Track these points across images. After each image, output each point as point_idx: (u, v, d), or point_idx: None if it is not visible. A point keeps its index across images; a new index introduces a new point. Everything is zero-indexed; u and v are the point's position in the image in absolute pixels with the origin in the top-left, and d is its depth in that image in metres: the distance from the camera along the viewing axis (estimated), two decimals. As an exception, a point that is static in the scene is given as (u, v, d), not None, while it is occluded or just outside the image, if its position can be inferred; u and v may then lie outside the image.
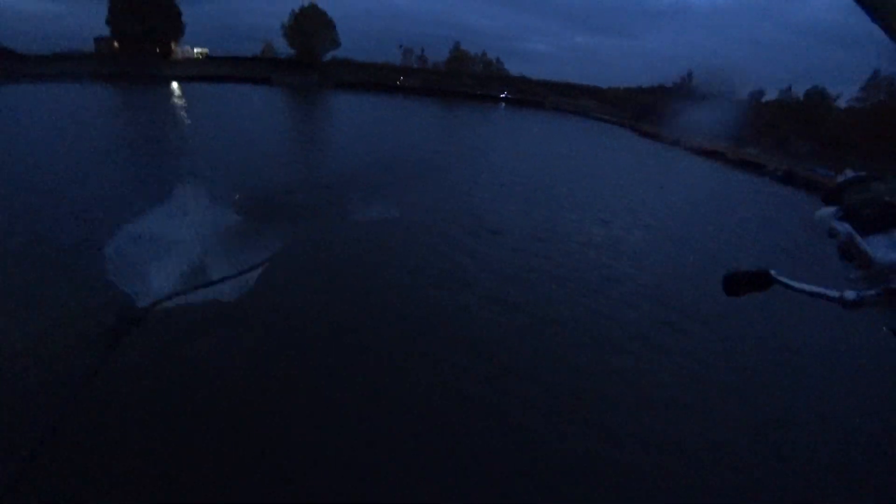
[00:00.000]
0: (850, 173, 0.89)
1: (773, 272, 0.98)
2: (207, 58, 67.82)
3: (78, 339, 6.25)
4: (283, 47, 73.26)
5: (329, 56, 74.56)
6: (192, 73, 59.31)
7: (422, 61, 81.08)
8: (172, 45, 63.55)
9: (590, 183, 22.47)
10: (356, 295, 8.82)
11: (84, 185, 13.91)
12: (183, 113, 32.93)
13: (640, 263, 12.41)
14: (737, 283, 1.03)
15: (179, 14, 63.99)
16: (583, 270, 11.40)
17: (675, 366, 7.67)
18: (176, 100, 40.46)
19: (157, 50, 61.90)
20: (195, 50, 67.88)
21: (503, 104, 71.66)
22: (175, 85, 51.53)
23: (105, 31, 61.07)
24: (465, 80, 75.84)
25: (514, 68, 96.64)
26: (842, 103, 60.18)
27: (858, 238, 0.77)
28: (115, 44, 60.60)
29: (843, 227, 0.80)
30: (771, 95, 74.39)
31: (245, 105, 40.52)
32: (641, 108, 74.29)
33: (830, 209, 0.87)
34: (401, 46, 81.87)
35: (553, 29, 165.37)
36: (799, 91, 67.84)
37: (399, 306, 8.56)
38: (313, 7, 71.91)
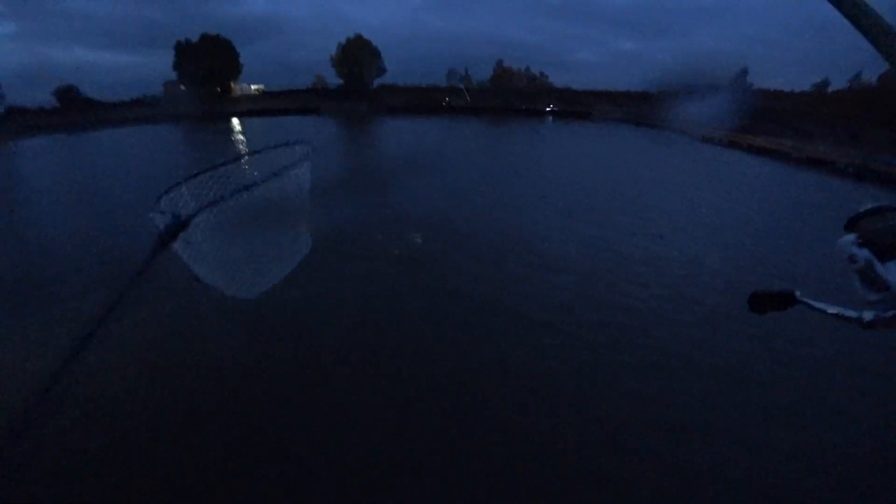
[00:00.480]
0: (869, 203, 0.95)
1: (797, 293, 1.09)
2: (264, 93, 71.75)
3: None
4: (332, 78, 76.51)
5: (377, 83, 77.00)
6: (250, 108, 62.91)
7: (466, 81, 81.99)
8: (231, 84, 67.72)
9: (652, 195, 21.12)
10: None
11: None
12: (241, 146, 34.71)
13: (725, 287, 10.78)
14: (761, 302, 1.13)
15: (237, 55, 68.31)
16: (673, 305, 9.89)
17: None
18: (236, 134, 42.79)
19: (218, 89, 66.16)
20: (252, 87, 72.08)
21: (550, 118, 70.90)
22: (235, 120, 54.63)
23: (172, 75, 66.20)
24: (510, 97, 75.87)
25: (559, 79, 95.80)
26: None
27: (877, 264, 0.83)
28: (181, 86, 65.31)
29: (863, 253, 0.86)
30: (838, 85, 69.62)
31: (295, 134, 42.21)
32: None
33: (850, 236, 0.91)
34: (450, 70, 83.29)
35: (598, 37, 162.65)
36: (871, 76, 62.94)
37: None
38: (359, 38, 74.73)
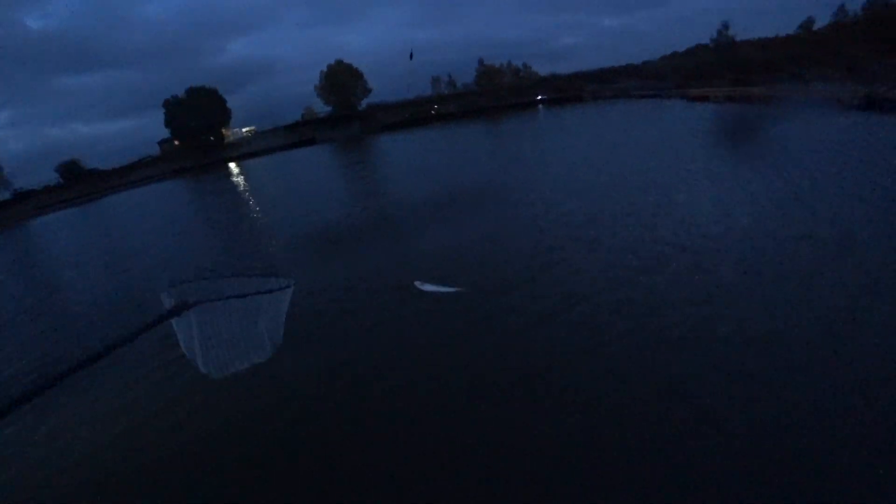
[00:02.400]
0: None
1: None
2: (256, 133, 72.74)
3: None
4: (321, 106, 77.37)
5: (364, 104, 77.66)
6: (246, 150, 63.80)
7: (451, 86, 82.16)
8: (224, 131, 68.79)
9: (665, 173, 17.93)
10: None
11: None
12: (242, 188, 35.02)
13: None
14: None
15: (225, 102, 69.46)
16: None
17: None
18: (235, 178, 43.27)
19: (212, 138, 67.26)
20: (244, 130, 73.18)
21: (541, 106, 70.54)
22: (232, 165, 55.37)
23: (166, 132, 67.55)
24: (498, 93, 75.80)
25: (547, 68, 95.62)
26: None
27: None
28: (176, 142, 66.53)
29: None
30: (823, 21, 68.25)
31: (294, 167, 42.51)
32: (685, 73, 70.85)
33: None
34: (433, 78, 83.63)
35: (578, 20, 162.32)
36: (855, 6, 61.43)
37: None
38: (339, 63, 75.55)
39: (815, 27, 71.30)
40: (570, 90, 74.40)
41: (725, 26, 73.49)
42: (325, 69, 75.43)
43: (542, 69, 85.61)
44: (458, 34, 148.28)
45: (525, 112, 64.83)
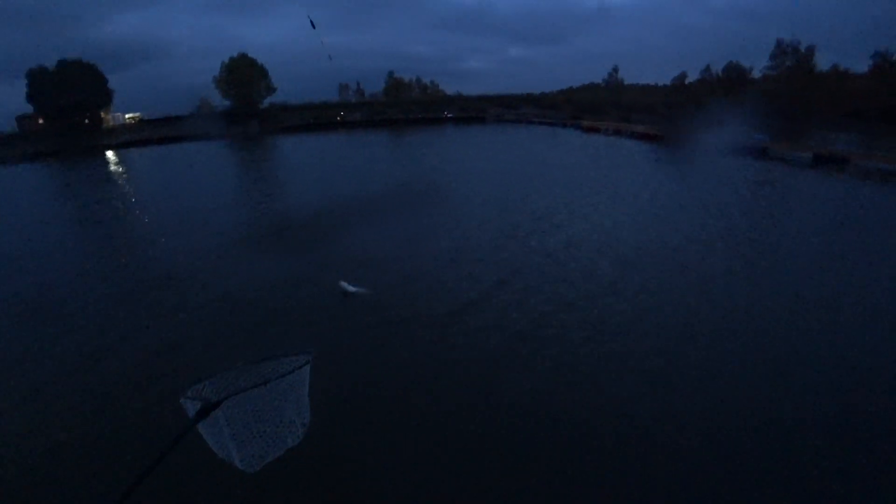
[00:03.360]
0: None
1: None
2: (142, 122, 66.40)
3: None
4: (219, 100, 72.80)
5: (266, 103, 74.42)
6: (129, 139, 57.97)
7: (359, 94, 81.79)
8: (102, 115, 61.94)
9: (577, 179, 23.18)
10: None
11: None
12: (121, 181, 31.91)
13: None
14: None
15: (105, 81, 62.69)
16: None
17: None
18: (113, 168, 39.24)
19: (87, 121, 60.23)
20: (127, 115, 66.46)
21: (449, 124, 72.73)
22: (110, 153, 50.09)
23: (27, 108, 59.25)
24: (406, 106, 76.81)
25: (452, 88, 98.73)
26: (757, 74, 64.40)
27: None
28: (40, 120, 58.64)
29: None
30: (693, 77, 78.51)
31: (186, 163, 39.62)
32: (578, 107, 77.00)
33: None
34: (341, 85, 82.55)
35: (487, 46, 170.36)
36: (718, 68, 71.67)
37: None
38: (243, 57, 71.84)
39: (687, 81, 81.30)
40: (474, 111, 77.62)
41: (616, 70, 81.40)
42: (226, 61, 71.31)
43: (449, 88, 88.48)
44: (369, 43, 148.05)
45: (432, 127, 66.47)
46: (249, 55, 72.44)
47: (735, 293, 9.89)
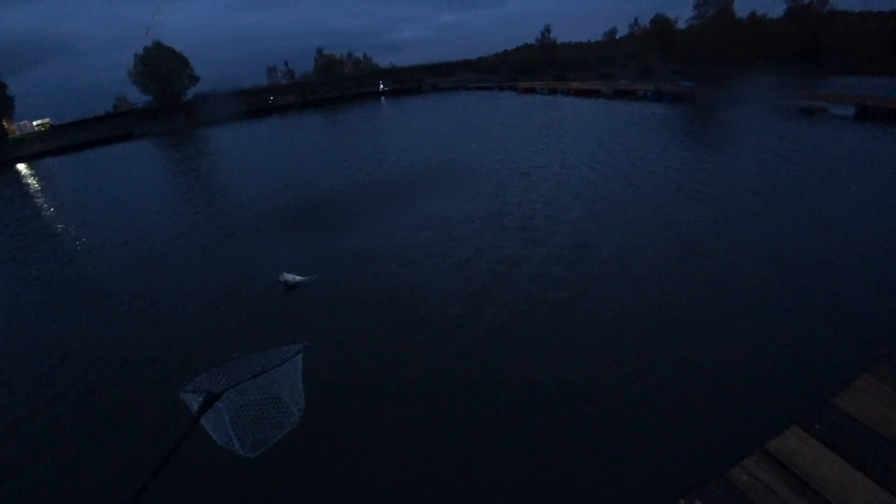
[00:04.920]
0: None
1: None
2: (53, 128, 61.42)
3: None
4: (138, 96, 68.18)
5: (190, 94, 70.40)
6: (41, 148, 53.65)
7: (290, 76, 78.57)
8: (5, 124, 56.85)
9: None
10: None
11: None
12: (38, 196, 29.70)
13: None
14: None
15: (4, 87, 57.39)
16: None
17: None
18: (26, 182, 36.40)
19: (-13, 132, 55.23)
20: (35, 123, 61.27)
21: (383, 98, 71.17)
22: (22, 166, 46.34)
23: None
24: (340, 84, 74.48)
25: (386, 61, 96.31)
26: (682, 24, 66.27)
27: None
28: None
29: None
30: (623, 32, 79.78)
31: (109, 167, 37.22)
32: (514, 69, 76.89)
33: None
34: (269, 67, 78.95)
35: (419, 14, 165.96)
36: (645, 21, 73.20)
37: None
38: (159, 46, 67.29)
39: (618, 36, 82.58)
40: (410, 82, 76.19)
41: (548, 29, 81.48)
42: (140, 53, 66.60)
43: (382, 61, 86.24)
44: (294, 20, 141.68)
45: (367, 102, 64.93)
46: (165, 44, 68.00)
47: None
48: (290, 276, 10.08)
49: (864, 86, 34.84)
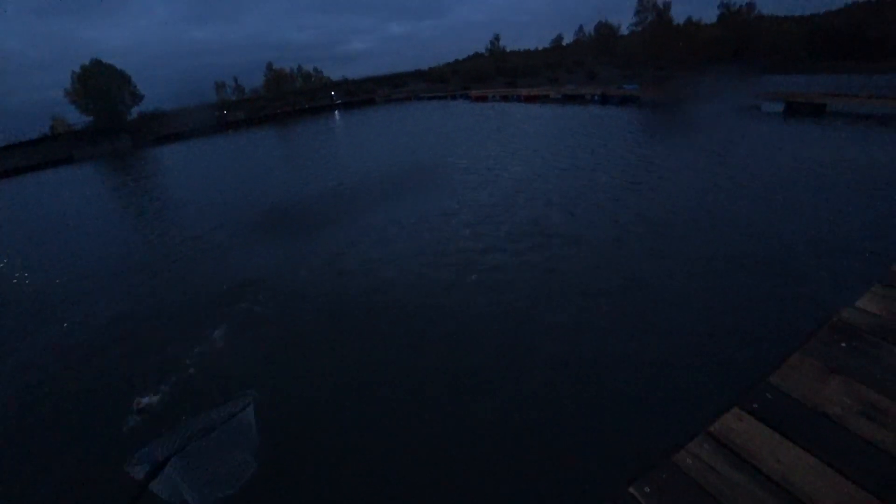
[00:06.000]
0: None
1: None
2: (-18, 153, 57.68)
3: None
4: (76, 117, 65.02)
5: (135, 112, 67.82)
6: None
7: (239, 91, 76.97)
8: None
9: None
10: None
11: None
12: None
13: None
14: None
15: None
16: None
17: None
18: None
19: None
20: (-41, 149, 57.45)
21: (337, 111, 70.68)
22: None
23: None
24: (290, 98, 73.48)
25: (338, 73, 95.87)
26: (624, 30, 69.26)
27: None
28: None
29: None
30: (569, 38, 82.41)
31: (48, 193, 35.24)
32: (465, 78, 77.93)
33: None
34: (217, 83, 77.02)
35: (367, 25, 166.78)
36: (589, 28, 75.97)
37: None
38: (97, 63, 64.54)
39: (564, 42, 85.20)
40: (362, 93, 76.08)
41: (497, 38, 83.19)
42: (78, 71, 63.60)
43: (334, 74, 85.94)
44: (241, 35, 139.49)
45: (320, 116, 64.26)
46: (104, 62, 65.28)
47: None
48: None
49: (788, 83, 37.23)
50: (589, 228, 11.41)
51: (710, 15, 72.19)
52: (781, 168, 15.04)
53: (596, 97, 41.59)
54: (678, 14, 66.16)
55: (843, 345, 3.50)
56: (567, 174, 16.93)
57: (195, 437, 2.00)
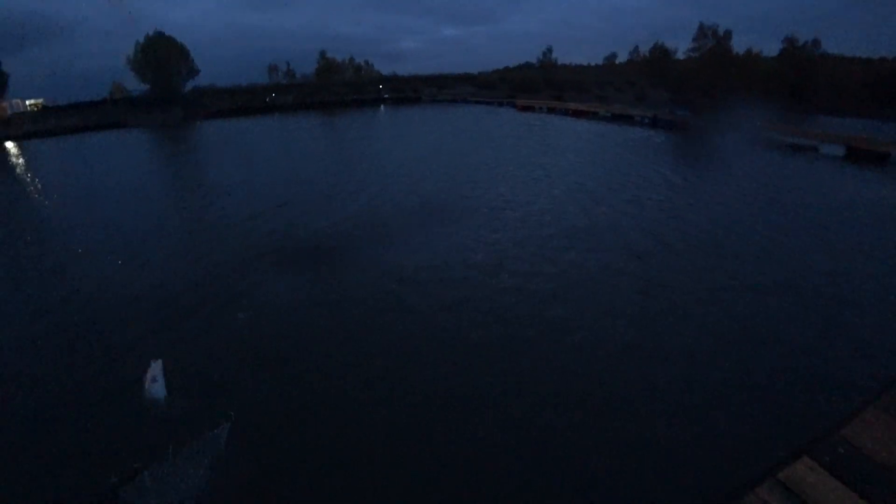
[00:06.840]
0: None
1: None
2: (44, 109, 60.52)
3: None
4: (135, 84, 67.51)
5: (189, 86, 70.02)
6: (31, 129, 52.75)
7: (290, 76, 78.56)
8: (-4, 101, 55.91)
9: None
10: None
11: None
12: (24, 178, 29.08)
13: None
14: None
15: (-2, 64, 56.61)
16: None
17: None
18: (13, 162, 35.68)
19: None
20: (27, 102, 60.34)
21: (382, 105, 71.45)
22: (10, 145, 45.50)
23: None
24: (338, 88, 74.65)
25: (386, 68, 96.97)
26: (680, 55, 67.94)
27: None
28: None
29: None
30: (623, 57, 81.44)
31: (98, 155, 36.66)
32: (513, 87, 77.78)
33: None
34: (271, 66, 78.93)
35: (421, 26, 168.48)
36: (645, 49, 74.84)
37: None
38: (160, 36, 66.90)
39: (618, 61, 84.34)
40: (409, 90, 76.74)
41: (549, 50, 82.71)
42: (141, 40, 66.07)
43: (383, 69, 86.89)
44: (298, 22, 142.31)
45: (367, 109, 65.07)
46: (166, 34, 67.64)
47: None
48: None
49: (849, 127, 35.86)
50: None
51: (772, 48, 70.13)
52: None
53: (646, 119, 40.99)
54: (739, 44, 64.63)
55: (920, 405, 3.38)
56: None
57: (167, 452, 2.22)
